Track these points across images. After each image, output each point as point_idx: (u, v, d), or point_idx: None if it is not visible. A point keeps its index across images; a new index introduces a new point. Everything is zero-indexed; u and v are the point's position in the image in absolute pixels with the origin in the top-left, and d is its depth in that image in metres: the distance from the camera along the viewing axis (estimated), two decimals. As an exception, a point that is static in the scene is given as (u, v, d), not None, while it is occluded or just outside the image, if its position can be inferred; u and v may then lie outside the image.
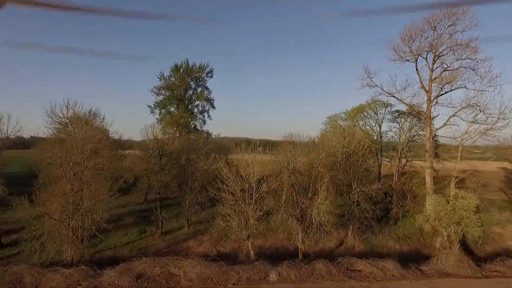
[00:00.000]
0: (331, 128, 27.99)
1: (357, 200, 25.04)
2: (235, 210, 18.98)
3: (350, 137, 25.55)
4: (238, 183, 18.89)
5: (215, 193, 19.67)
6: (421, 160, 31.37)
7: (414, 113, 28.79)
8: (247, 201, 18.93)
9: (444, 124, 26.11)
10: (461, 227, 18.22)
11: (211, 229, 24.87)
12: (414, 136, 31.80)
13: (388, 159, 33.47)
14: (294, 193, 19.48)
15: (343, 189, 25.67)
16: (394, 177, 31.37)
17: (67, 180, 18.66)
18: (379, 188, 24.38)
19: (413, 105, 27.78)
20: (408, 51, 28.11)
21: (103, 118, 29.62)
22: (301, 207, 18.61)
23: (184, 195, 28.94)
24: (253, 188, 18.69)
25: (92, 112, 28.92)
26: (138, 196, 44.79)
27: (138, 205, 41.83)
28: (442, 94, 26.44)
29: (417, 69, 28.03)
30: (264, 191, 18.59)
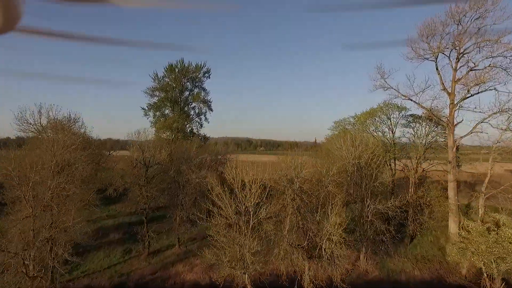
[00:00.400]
0: (341, 136, 24.72)
1: (370, 219, 21.80)
2: (228, 239, 15.73)
3: (363, 146, 22.26)
4: (232, 205, 15.68)
5: (204, 217, 16.46)
6: (440, 171, 28.04)
7: (435, 119, 25.44)
8: (243, 228, 15.69)
9: (471, 132, 22.77)
10: (507, 264, 14.92)
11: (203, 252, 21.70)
12: (432, 143, 28.46)
13: (401, 168, 30.16)
14: (300, 218, 16.23)
15: (354, 207, 22.45)
16: (409, 189, 28.06)
17: (26, 203, 15.44)
18: (396, 206, 21.09)
19: (434, 109, 24.45)
20: (427, 48, 24.81)
21: (82, 124, 26.25)
22: (308, 235, 15.37)
23: (175, 211, 25.76)
24: (250, 212, 15.46)
25: (72, 118, 25.77)
26: (129, 205, 41.61)
27: (128, 216, 38.65)
28: (467, 97, 23.11)
29: (437, 69, 24.71)
30: (263, 216, 15.35)
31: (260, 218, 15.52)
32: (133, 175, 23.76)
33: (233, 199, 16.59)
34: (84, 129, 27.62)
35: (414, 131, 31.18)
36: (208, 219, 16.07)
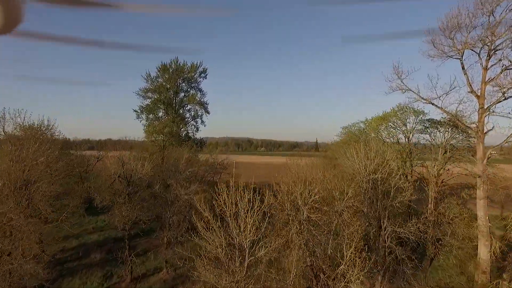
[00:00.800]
0: (351, 145, 21.50)
1: (388, 244, 18.56)
2: (217, 277, 12.55)
3: (379, 158, 19.02)
4: (223, 242, 12.47)
5: (188, 254, 13.29)
6: (464, 184, 24.79)
7: (461, 126, 22.14)
8: (237, 264, 12.49)
9: (506, 141, 19.52)
10: None
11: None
12: (454, 152, 25.15)
13: (417, 178, 26.92)
14: (307, 254, 13.01)
15: (369, 229, 19.21)
16: (429, 205, 24.80)
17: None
18: (420, 230, 17.88)
19: (460, 115, 21.22)
20: (451, 44, 21.55)
21: (54, 130, 22.70)
22: (319, 278, 12.16)
23: (162, 230, 22.59)
24: (245, 249, 12.25)
25: (45, 124, 22.51)
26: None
27: (115, 229, 35.50)
28: (501, 101, 19.83)
29: (463, 68, 21.43)
30: (262, 254, 12.13)
31: (258, 256, 12.29)
32: (112, 192, 20.59)
33: (224, 229, 13.46)
34: (58, 134, 24.07)
35: (431, 137, 27.96)
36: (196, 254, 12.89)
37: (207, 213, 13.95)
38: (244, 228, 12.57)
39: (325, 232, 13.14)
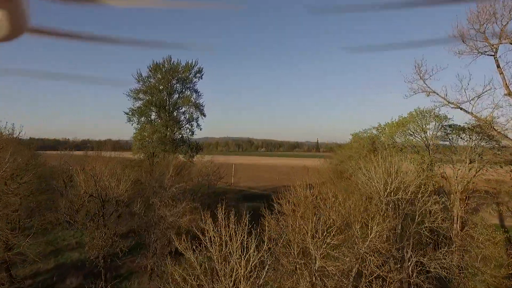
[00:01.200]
0: (366, 156, 18.29)
1: (413, 280, 15.34)
2: None
3: (402, 175, 15.82)
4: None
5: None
6: (491, 200, 21.59)
7: (496, 136, 18.91)
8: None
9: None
10: None
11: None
12: (483, 163, 21.89)
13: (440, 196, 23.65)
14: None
15: (389, 262, 15.98)
16: (454, 225, 21.56)
17: None
18: (453, 263, 14.67)
19: (496, 122, 18.03)
20: (483, 38, 18.32)
21: (17, 137, 19.46)
22: None
23: (144, 256, 19.44)
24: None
25: (8, 130, 19.32)
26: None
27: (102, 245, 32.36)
28: (546, 106, 16.63)
29: (498, 66, 18.20)
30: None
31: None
32: (83, 214, 17.43)
33: (211, 276, 10.32)
34: (26, 138, 20.85)
35: (452, 144, 24.70)
36: None
37: (190, 253, 10.81)
38: (235, 278, 9.39)
39: (344, 283, 9.94)
